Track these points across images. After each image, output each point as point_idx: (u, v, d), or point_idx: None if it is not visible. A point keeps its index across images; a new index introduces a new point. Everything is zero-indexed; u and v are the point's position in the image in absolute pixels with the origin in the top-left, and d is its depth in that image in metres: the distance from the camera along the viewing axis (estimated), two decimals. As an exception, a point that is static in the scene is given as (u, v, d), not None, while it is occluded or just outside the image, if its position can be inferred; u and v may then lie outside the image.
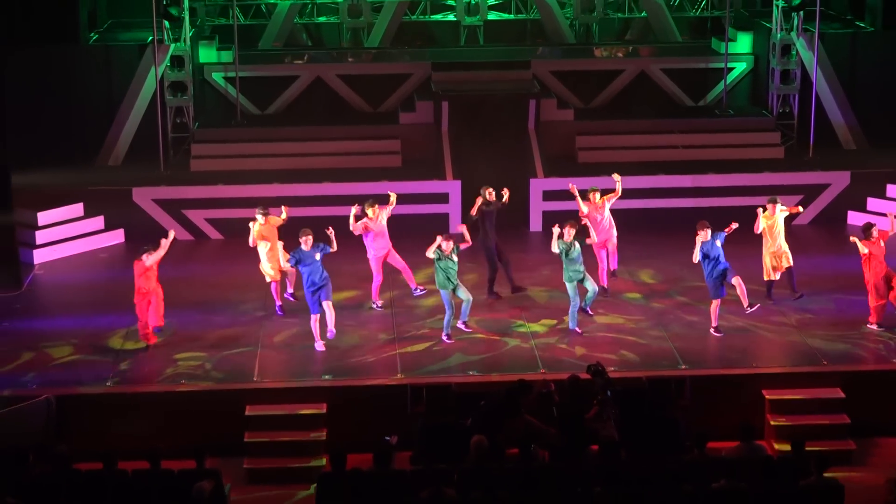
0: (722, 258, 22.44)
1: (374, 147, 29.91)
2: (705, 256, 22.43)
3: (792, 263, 23.76)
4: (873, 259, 22.66)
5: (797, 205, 24.44)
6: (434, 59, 31.88)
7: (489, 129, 29.07)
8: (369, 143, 30.00)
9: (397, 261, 23.74)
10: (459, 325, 22.81)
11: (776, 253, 23.73)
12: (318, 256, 21.92)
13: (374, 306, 23.85)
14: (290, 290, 24.03)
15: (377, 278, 23.79)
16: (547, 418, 19.39)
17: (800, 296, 23.80)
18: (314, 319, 22.16)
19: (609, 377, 19.83)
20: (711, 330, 22.68)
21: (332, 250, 22.17)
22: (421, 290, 23.73)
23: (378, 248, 23.60)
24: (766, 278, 23.94)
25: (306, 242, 21.97)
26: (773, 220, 23.72)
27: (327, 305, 22.06)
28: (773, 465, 18.41)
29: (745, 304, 22.70)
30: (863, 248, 22.60)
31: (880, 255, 22.70)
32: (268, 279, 23.62)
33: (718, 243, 22.48)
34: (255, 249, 23.60)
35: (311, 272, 21.94)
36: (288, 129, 30.26)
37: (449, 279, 22.25)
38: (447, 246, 22.18)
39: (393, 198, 23.83)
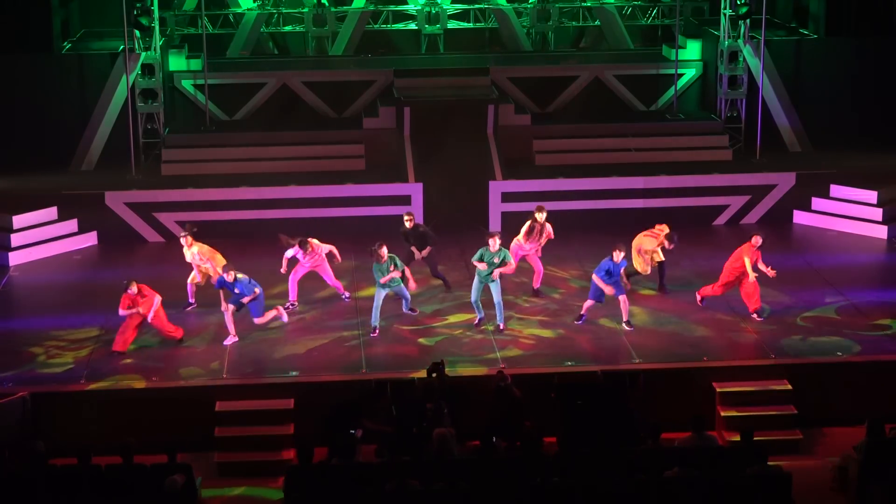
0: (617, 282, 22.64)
1: (338, 151, 29.80)
2: (608, 273, 22.47)
3: (664, 259, 24.13)
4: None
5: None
6: (396, 66, 31.82)
7: (449, 133, 29.00)
8: (334, 147, 29.88)
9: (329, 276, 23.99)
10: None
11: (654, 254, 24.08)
12: (236, 290, 22.07)
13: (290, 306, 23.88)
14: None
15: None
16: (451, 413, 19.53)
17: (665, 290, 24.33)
18: (230, 309, 22.27)
19: (444, 375, 19.92)
20: (576, 321, 22.92)
21: (249, 295, 22.14)
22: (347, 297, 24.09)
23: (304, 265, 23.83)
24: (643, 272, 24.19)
25: (229, 276, 22.05)
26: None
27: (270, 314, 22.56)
28: (723, 453, 18.48)
29: (626, 318, 22.84)
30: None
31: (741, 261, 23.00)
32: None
33: (622, 270, 22.67)
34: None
35: (233, 297, 22.23)
36: (255, 135, 30.11)
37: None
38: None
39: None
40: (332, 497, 17.03)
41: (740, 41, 30.75)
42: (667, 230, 23.83)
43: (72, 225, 27.62)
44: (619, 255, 22.45)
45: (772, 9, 32.71)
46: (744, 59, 30.87)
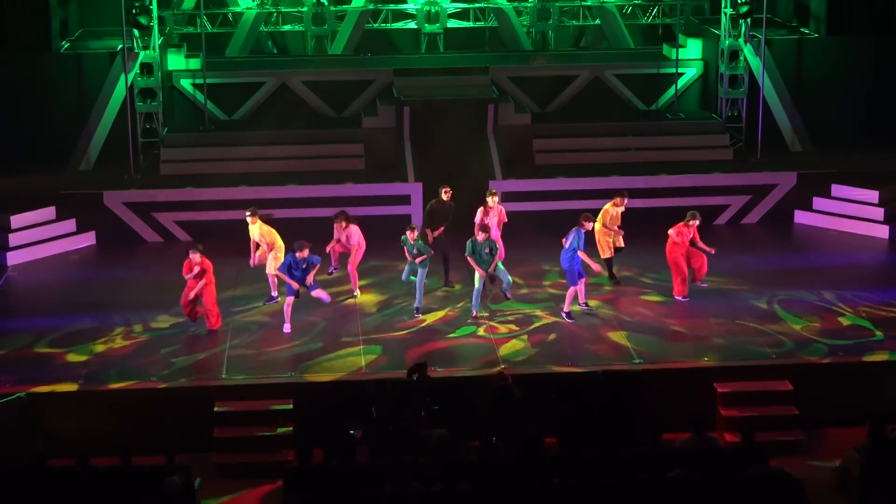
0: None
1: (337, 151, 29.75)
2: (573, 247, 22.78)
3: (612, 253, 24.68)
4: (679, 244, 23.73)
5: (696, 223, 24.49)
6: (396, 65, 31.76)
7: (449, 132, 28.98)
8: (333, 146, 29.83)
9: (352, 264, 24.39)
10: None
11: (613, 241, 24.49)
12: (304, 267, 22.50)
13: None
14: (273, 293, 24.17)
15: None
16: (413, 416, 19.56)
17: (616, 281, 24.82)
18: (289, 302, 22.57)
19: (426, 376, 19.93)
20: (563, 314, 23.03)
21: (316, 264, 22.81)
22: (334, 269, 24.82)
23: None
24: (604, 256, 24.56)
25: (301, 254, 22.47)
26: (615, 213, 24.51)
27: (316, 293, 22.93)
28: (724, 454, 18.42)
29: (567, 308, 23.19)
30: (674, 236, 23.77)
31: (685, 241, 23.74)
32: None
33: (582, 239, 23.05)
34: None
35: (299, 274, 22.58)
36: (254, 134, 30.03)
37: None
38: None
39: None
40: (332, 499, 16.97)
41: (741, 40, 30.69)
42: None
43: (70, 225, 27.58)
44: (590, 225, 23.08)
45: (772, 8, 32.67)
46: (744, 58, 30.81)
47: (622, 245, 24.55)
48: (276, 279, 23.91)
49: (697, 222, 23.80)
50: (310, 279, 22.69)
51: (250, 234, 23.99)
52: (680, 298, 23.87)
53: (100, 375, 21.15)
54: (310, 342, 22.36)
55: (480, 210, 24.36)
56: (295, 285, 22.55)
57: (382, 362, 21.49)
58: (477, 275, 23.05)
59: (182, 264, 22.76)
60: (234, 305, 23.89)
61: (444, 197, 24.58)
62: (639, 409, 20.04)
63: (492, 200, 24.40)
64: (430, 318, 23.29)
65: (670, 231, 23.79)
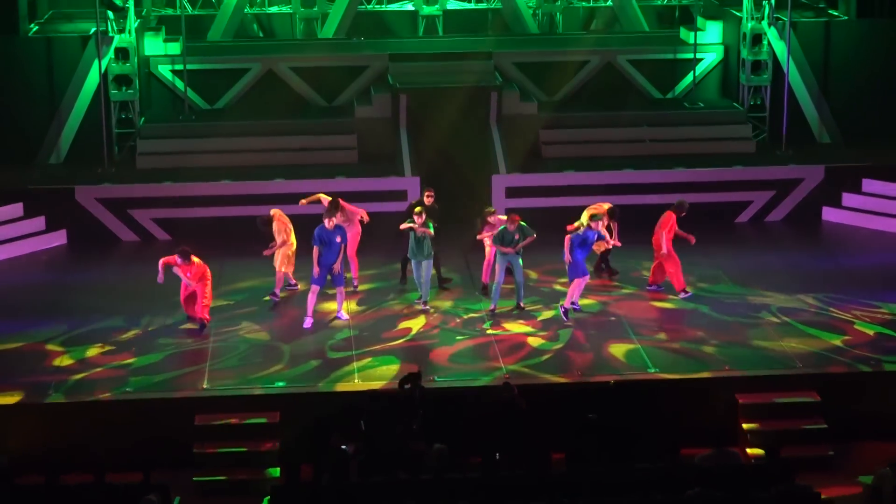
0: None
1: (328, 143, 29.77)
2: (584, 242, 23.09)
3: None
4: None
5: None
6: (391, 50, 31.72)
7: (449, 123, 28.96)
8: (324, 138, 29.86)
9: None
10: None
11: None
12: (338, 239, 22.65)
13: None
14: (276, 290, 24.15)
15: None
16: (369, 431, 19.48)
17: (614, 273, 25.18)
18: (314, 290, 22.79)
19: (419, 387, 19.90)
20: (570, 306, 23.23)
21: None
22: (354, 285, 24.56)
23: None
24: (599, 250, 24.81)
25: (330, 223, 22.59)
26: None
27: (339, 291, 23.18)
28: (747, 471, 18.37)
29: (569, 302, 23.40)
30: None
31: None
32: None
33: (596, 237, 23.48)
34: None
35: (329, 251, 22.61)
36: (238, 125, 30.06)
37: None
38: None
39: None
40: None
41: (764, 23, 30.67)
42: (608, 206, 24.52)
43: (39, 223, 27.56)
44: (598, 225, 23.40)
45: (798, -12, 32.68)
46: (768, 42, 30.79)
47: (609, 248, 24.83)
48: (283, 275, 23.93)
49: (684, 212, 24.03)
50: (337, 266, 22.75)
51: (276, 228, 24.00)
52: (683, 295, 23.80)
53: (71, 385, 21.04)
54: (299, 350, 22.29)
55: (479, 222, 24.24)
56: (317, 271, 22.57)
57: (377, 373, 21.36)
58: (497, 268, 23.34)
59: (158, 264, 22.74)
60: (221, 304, 23.83)
61: (427, 201, 24.40)
62: (654, 422, 19.97)
63: (493, 220, 24.18)
64: (433, 320, 23.38)
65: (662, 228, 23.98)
